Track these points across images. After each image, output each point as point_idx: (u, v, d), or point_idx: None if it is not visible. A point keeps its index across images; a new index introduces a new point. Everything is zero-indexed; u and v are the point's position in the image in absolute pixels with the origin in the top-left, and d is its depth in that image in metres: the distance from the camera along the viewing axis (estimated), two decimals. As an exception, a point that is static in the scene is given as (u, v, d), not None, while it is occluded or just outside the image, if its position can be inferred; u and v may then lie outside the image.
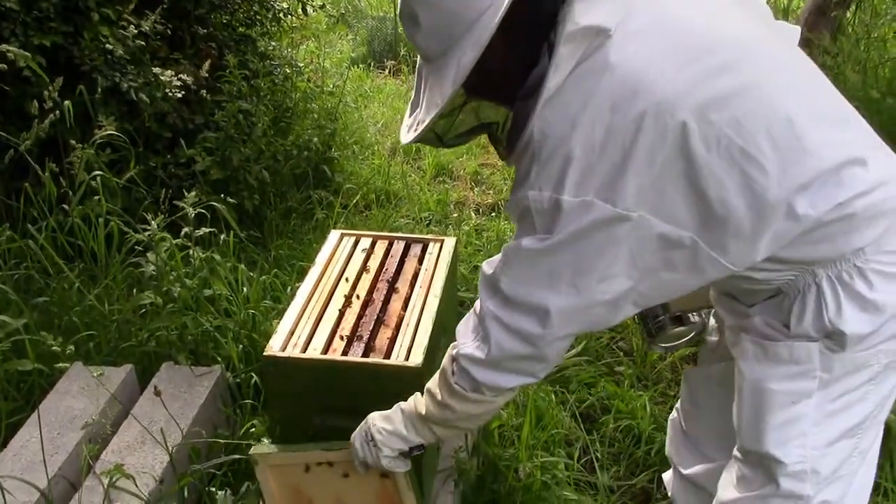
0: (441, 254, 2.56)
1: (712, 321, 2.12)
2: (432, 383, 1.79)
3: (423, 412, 1.81)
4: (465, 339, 1.67)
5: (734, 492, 1.76)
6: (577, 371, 3.28)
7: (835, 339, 1.56)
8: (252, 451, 2.08)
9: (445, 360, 1.74)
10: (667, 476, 2.29)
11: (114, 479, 2.22)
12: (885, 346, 1.59)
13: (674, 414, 2.23)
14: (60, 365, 2.28)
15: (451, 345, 1.74)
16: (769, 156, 1.43)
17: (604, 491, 2.76)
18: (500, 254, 1.60)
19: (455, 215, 4.59)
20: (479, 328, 1.64)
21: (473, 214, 4.63)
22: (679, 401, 2.22)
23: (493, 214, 4.66)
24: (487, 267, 1.63)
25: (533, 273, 1.53)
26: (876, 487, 2.77)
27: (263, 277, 3.29)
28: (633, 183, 1.40)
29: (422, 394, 1.84)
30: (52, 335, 2.25)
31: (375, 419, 1.90)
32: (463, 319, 1.72)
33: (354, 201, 4.42)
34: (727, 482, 1.80)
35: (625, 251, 1.45)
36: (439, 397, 1.75)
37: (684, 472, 2.17)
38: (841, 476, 1.69)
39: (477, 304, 1.67)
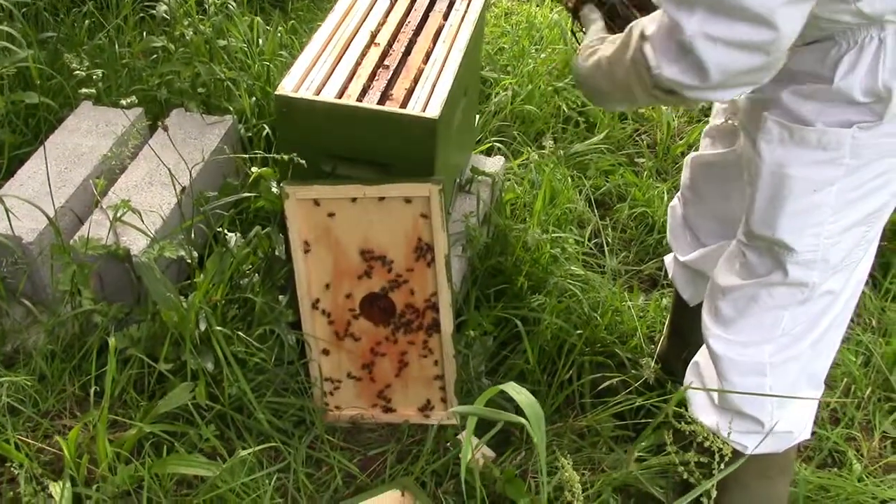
0: (468, 11, 2.42)
1: (716, 104, 2.02)
2: (624, 60, 1.51)
3: (607, 58, 1.59)
4: (667, 61, 1.40)
5: (735, 278, 1.73)
6: (597, 158, 3.21)
7: (878, 103, 1.46)
8: (283, 184, 2.04)
9: (635, 54, 1.47)
10: (668, 259, 2.27)
11: (120, 214, 2.20)
12: None
13: (674, 201, 2.17)
14: (84, 90, 2.16)
15: (639, 47, 1.45)
16: None
17: (611, 273, 2.75)
18: None
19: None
20: (683, 53, 1.37)
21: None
22: (679, 187, 2.15)
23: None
24: None
25: None
26: (886, 292, 2.77)
27: (280, 30, 3.15)
28: None
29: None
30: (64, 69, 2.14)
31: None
32: (654, 33, 1.42)
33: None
34: (727, 267, 1.76)
35: None
36: (623, 81, 1.53)
37: (682, 258, 2.14)
38: (847, 264, 1.66)
39: (656, 24, 1.42)
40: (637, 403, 2.07)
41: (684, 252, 2.15)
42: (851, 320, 2.64)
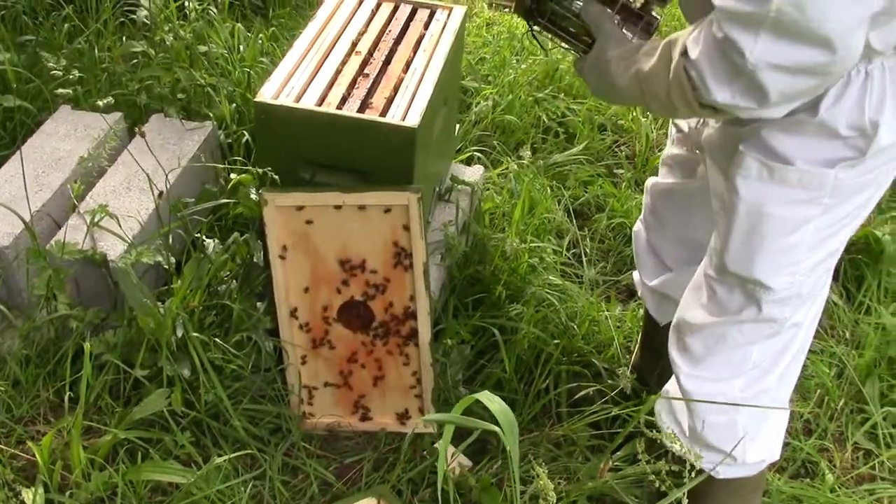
0: (448, 21, 2.43)
1: (673, 130, 2.02)
2: (664, 77, 1.46)
3: (645, 73, 1.52)
4: (717, 84, 1.35)
5: (703, 313, 1.72)
6: (576, 169, 3.23)
7: (862, 138, 1.44)
8: (262, 191, 2.04)
9: (678, 73, 1.41)
10: (636, 277, 2.29)
11: (98, 219, 2.19)
12: (891, 165, 1.52)
13: (637, 225, 2.18)
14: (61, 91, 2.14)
15: (684, 66, 1.39)
16: None
17: (588, 283, 2.76)
18: None
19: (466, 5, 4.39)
20: (736, 75, 1.32)
21: (486, 7, 4.43)
22: (642, 212, 2.17)
23: (507, 10, 4.46)
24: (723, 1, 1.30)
25: None
26: (860, 305, 2.80)
27: (261, 37, 3.15)
28: None
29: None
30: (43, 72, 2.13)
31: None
32: (702, 53, 1.35)
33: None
34: (693, 301, 1.75)
35: None
36: (663, 95, 1.48)
37: (649, 283, 2.16)
38: (814, 295, 1.68)
39: (702, 44, 1.36)
40: (613, 413, 2.09)
41: (650, 276, 2.16)
42: (825, 331, 2.69)
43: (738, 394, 1.73)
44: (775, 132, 1.49)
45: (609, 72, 1.57)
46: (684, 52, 1.39)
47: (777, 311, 1.63)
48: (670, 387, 1.85)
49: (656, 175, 2.12)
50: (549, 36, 1.74)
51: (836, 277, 2.89)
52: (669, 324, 1.95)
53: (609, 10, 1.61)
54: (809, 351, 2.56)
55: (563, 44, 1.72)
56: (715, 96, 1.36)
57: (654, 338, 2.28)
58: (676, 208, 2.02)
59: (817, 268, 1.62)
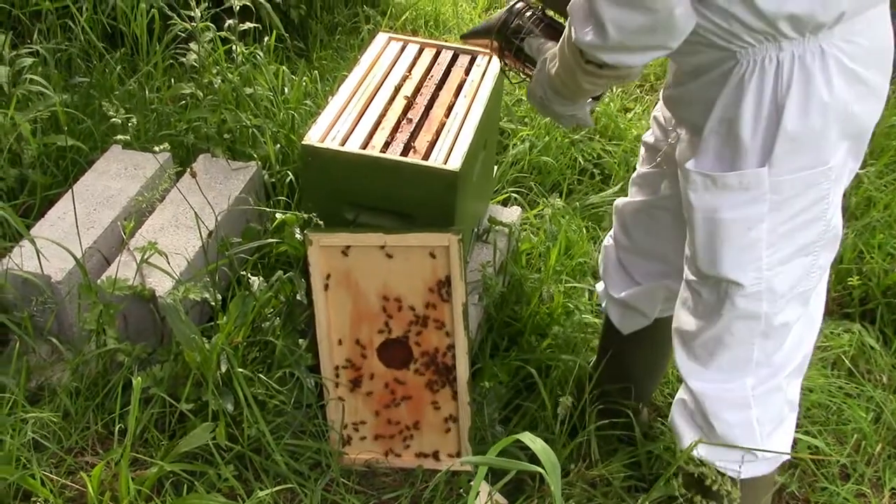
0: (489, 67, 2.49)
1: (642, 150, 2.11)
2: (556, 62, 1.70)
3: (553, 74, 1.75)
4: (581, 26, 1.52)
5: (695, 320, 1.78)
6: (612, 210, 3.26)
7: (769, 126, 1.54)
8: (306, 231, 2.10)
9: (566, 45, 1.63)
10: (599, 289, 2.32)
11: (147, 256, 2.26)
12: (833, 161, 1.58)
13: (607, 240, 2.24)
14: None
15: (568, 26, 1.59)
16: None
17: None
18: None
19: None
20: (590, 15, 1.49)
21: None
22: (612, 230, 2.22)
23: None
24: None
25: None
26: None
27: (305, 79, 3.24)
28: None
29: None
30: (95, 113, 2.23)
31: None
32: (574, 3, 1.55)
33: (402, 20, 4.31)
34: (686, 310, 1.82)
35: None
36: (568, 67, 1.66)
37: (616, 296, 2.21)
38: (799, 293, 1.72)
39: None
40: (646, 449, 2.11)
41: (618, 290, 2.21)
42: (862, 375, 2.69)
43: (749, 392, 1.78)
44: (710, 145, 1.62)
45: (542, 83, 1.78)
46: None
47: (753, 305, 1.69)
48: (682, 395, 1.88)
49: (619, 198, 2.21)
50: (517, 69, 2.00)
51: (872, 321, 2.90)
52: (630, 334, 2.17)
53: (550, 42, 1.83)
54: (846, 395, 2.59)
55: (521, 74, 2.00)
56: (578, 35, 1.52)
57: (613, 345, 2.33)
58: (644, 225, 2.09)
59: (788, 266, 1.67)
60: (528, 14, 1.89)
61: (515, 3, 1.93)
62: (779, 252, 1.65)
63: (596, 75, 1.61)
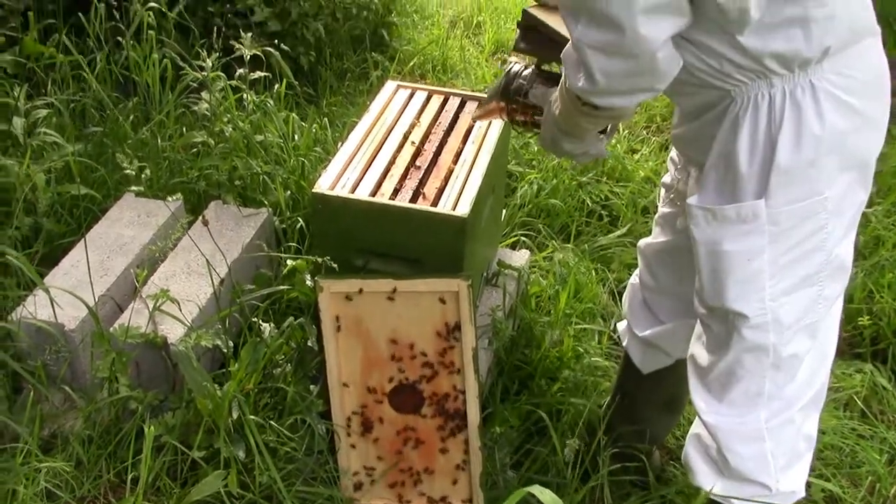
0: (496, 113, 2.52)
1: (662, 191, 2.14)
2: (558, 104, 1.77)
3: (557, 115, 1.81)
4: (573, 74, 1.59)
5: (708, 354, 1.80)
6: (620, 252, 3.28)
7: (764, 161, 1.58)
8: (317, 277, 2.12)
9: (563, 89, 1.71)
10: (621, 327, 2.33)
11: (160, 303, 2.28)
12: (830, 192, 1.60)
13: (633, 279, 2.26)
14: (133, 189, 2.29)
15: (563, 75, 1.68)
16: None
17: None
18: None
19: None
20: (579, 61, 1.55)
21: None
22: (637, 270, 2.24)
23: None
24: None
25: None
26: None
27: (315, 126, 3.29)
28: None
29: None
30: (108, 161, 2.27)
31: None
32: (566, 52, 1.62)
33: (410, 66, 4.37)
34: (699, 345, 1.84)
35: None
36: (568, 108, 1.73)
37: (639, 334, 2.22)
38: (807, 325, 1.73)
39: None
40: (659, 493, 2.10)
41: (642, 328, 2.22)
42: (875, 416, 2.67)
43: (762, 425, 1.79)
44: (710, 180, 1.67)
45: (551, 126, 1.84)
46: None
47: (760, 337, 1.70)
48: (697, 429, 1.89)
49: (643, 239, 2.23)
50: (528, 123, 2.03)
51: (884, 361, 2.89)
52: (649, 374, 2.18)
53: (553, 87, 1.87)
54: (859, 436, 2.57)
55: (533, 128, 2.03)
56: (572, 83, 1.59)
57: (630, 385, 2.33)
58: (667, 265, 2.11)
59: (793, 296, 1.69)
60: (526, 72, 1.97)
61: (511, 67, 2.00)
62: (782, 282, 1.67)
63: (593, 116, 1.68)
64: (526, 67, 1.98)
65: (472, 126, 2.47)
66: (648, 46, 1.46)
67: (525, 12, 1.96)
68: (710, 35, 1.52)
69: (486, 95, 2.13)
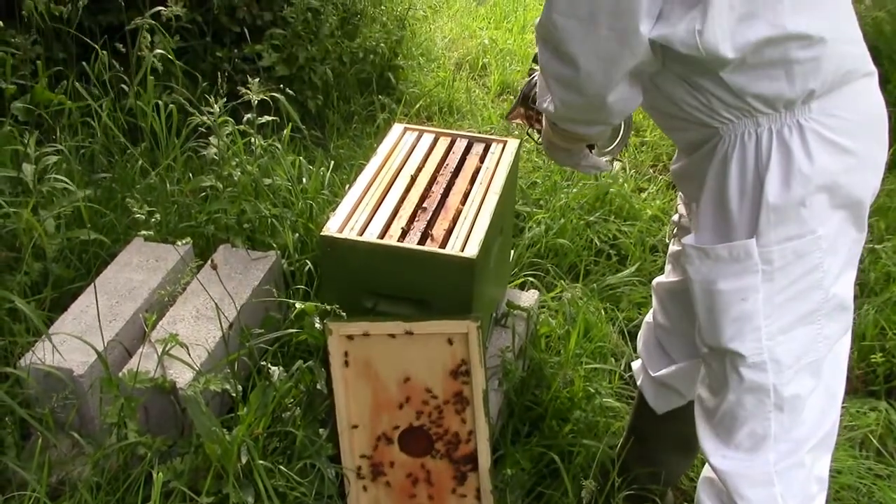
0: (503, 154, 2.53)
1: (672, 230, 2.14)
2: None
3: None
4: (541, 95, 1.72)
5: (710, 395, 1.79)
6: (630, 290, 3.27)
7: (753, 198, 1.59)
8: (326, 320, 2.12)
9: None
10: (636, 367, 2.32)
11: (169, 347, 2.28)
12: (823, 230, 1.60)
13: (648, 318, 2.25)
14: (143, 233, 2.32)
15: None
16: None
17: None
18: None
19: (517, 132, 4.55)
20: (545, 87, 1.66)
21: (536, 134, 4.57)
22: (652, 309, 2.23)
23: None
24: (538, 19, 1.60)
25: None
26: None
27: (322, 170, 3.31)
28: None
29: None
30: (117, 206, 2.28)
31: None
32: (539, 74, 1.73)
33: (417, 108, 4.40)
34: (705, 386, 1.83)
35: None
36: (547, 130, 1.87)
37: (653, 374, 2.21)
38: (807, 364, 1.71)
39: None
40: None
41: (656, 368, 2.20)
42: (891, 455, 2.64)
43: (771, 468, 1.75)
44: (705, 219, 1.67)
45: (547, 134, 1.91)
46: None
47: (758, 377, 1.68)
48: (707, 473, 1.86)
49: (657, 277, 2.22)
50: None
51: (898, 398, 2.87)
52: (663, 415, 2.16)
53: None
54: (876, 476, 2.54)
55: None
56: (539, 104, 1.71)
57: (644, 425, 2.32)
58: (680, 304, 2.10)
59: (790, 335, 1.67)
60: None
61: (532, 76, 2.04)
62: (778, 321, 1.65)
63: (562, 135, 1.79)
64: None
65: (480, 167, 2.48)
66: (598, 90, 1.55)
67: None
68: (696, 72, 1.54)
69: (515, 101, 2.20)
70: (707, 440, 1.82)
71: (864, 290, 3.24)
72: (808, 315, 1.67)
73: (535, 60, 2.02)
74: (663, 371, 2.17)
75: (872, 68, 1.63)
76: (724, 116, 1.57)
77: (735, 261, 1.62)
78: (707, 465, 1.85)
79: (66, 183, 2.80)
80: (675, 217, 2.09)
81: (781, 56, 1.48)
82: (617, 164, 3.97)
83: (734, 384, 1.71)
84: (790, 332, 1.67)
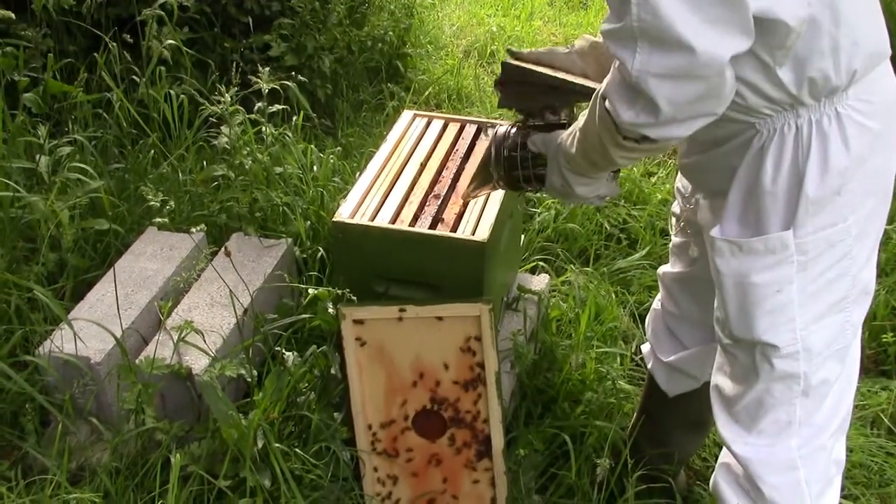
0: (512, 139, 2.54)
1: (672, 220, 2.14)
2: (594, 124, 1.61)
3: (574, 154, 1.71)
4: (625, 107, 1.47)
5: (734, 385, 1.78)
6: (640, 274, 3.28)
7: (791, 191, 1.57)
8: (339, 305, 2.14)
9: (600, 112, 1.55)
10: (646, 350, 2.33)
11: (184, 334, 2.31)
12: (854, 217, 1.60)
13: (656, 304, 2.26)
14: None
15: (598, 107, 1.55)
16: None
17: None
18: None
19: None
20: (636, 95, 1.44)
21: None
22: (659, 295, 2.25)
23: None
24: (607, 24, 1.43)
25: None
26: None
27: (332, 158, 3.33)
28: None
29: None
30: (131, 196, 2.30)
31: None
32: (607, 88, 1.51)
33: (426, 96, 4.41)
34: (723, 375, 1.82)
35: None
36: (598, 145, 1.62)
37: (664, 359, 2.22)
38: (836, 351, 1.72)
39: (610, 77, 1.51)
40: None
41: (667, 353, 2.22)
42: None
43: (795, 453, 1.75)
44: (733, 211, 1.65)
45: (559, 172, 1.78)
46: (601, 94, 1.53)
47: (789, 366, 1.68)
48: (726, 459, 1.87)
49: (662, 266, 2.23)
50: (533, 179, 1.89)
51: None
52: (675, 397, 2.21)
53: (553, 132, 1.80)
54: (887, 454, 2.55)
55: (538, 183, 1.89)
56: (623, 117, 1.47)
57: (655, 407, 2.33)
58: (688, 294, 2.12)
59: (822, 323, 1.67)
60: (512, 132, 1.87)
61: (496, 130, 1.91)
62: (811, 311, 1.65)
63: (632, 150, 1.58)
64: (513, 126, 1.88)
65: (489, 152, 2.49)
66: (718, 64, 1.38)
67: (506, 66, 1.88)
68: (745, 67, 1.48)
69: (477, 173, 2.03)
70: (727, 428, 1.81)
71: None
72: (838, 303, 1.68)
73: (500, 106, 1.94)
74: (674, 356, 2.19)
75: (889, 50, 1.63)
76: (764, 113, 1.56)
77: (771, 253, 1.61)
78: (724, 451, 1.86)
79: (85, 172, 2.83)
80: (675, 209, 2.09)
81: (830, 43, 1.47)
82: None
83: (764, 374, 1.70)
84: (822, 320, 1.67)
